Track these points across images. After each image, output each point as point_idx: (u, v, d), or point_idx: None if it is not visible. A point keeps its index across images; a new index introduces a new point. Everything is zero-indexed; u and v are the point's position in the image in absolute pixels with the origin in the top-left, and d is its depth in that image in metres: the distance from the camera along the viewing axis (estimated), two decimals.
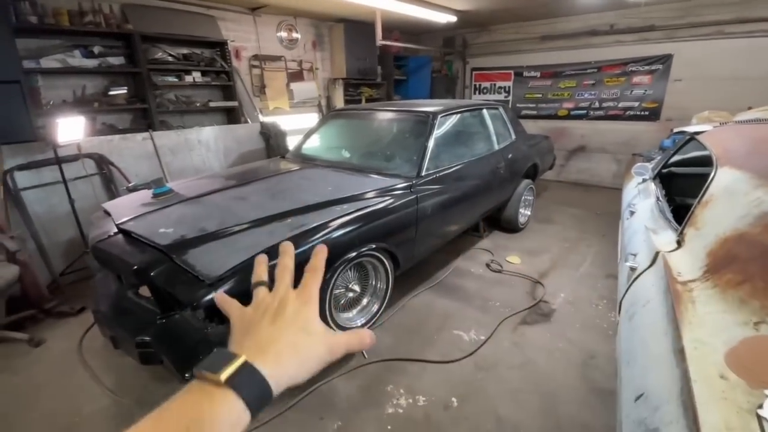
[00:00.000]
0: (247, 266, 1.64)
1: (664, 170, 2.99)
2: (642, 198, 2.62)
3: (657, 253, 1.61)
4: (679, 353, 1.04)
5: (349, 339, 0.45)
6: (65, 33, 3.58)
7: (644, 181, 2.96)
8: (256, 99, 5.18)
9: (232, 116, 4.89)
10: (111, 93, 3.86)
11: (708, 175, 1.74)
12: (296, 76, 5.65)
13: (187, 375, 1.51)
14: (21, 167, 3.17)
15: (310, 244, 1.87)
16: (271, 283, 0.48)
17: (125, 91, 3.94)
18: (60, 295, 3.20)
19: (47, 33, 3.52)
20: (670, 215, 2.01)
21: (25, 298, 3.02)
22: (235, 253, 1.68)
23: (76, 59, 3.63)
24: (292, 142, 4.95)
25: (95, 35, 3.73)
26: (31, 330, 2.76)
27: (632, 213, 2.55)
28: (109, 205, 2.49)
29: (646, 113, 5.73)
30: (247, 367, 0.36)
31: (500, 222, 4.20)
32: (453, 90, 7.71)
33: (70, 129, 2.95)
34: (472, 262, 3.64)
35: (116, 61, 3.82)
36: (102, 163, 3.57)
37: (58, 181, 3.30)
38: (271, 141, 4.81)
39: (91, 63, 3.69)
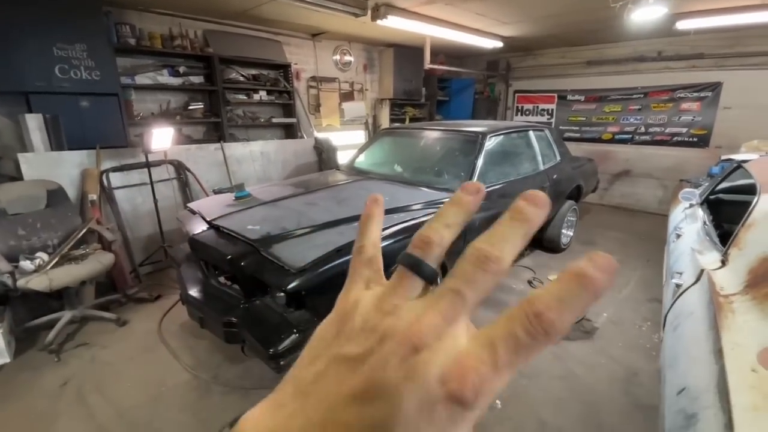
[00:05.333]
0: (323, 259, 1.90)
1: (712, 196, 3.03)
2: (689, 222, 2.69)
3: (702, 271, 1.72)
4: (718, 353, 1.18)
5: None
6: (156, 54, 4.12)
7: (691, 206, 3.01)
8: (311, 116, 5.60)
9: (290, 131, 5.32)
10: (190, 107, 4.36)
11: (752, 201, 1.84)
12: (347, 96, 6.06)
13: (271, 351, 1.76)
14: (115, 169, 3.65)
15: None
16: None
17: (202, 106, 4.43)
18: (138, 283, 3.62)
19: (142, 53, 4.06)
20: (716, 237, 2.10)
21: (111, 284, 3.46)
22: (313, 249, 1.94)
23: (164, 77, 4.15)
24: (341, 157, 5.30)
25: (181, 57, 4.26)
26: (115, 311, 3.14)
27: (678, 236, 2.62)
28: (194, 205, 2.86)
29: (695, 140, 5.66)
30: None
31: (542, 241, 4.29)
32: (495, 111, 7.89)
33: (161, 138, 3.39)
34: (513, 278, 3.75)
35: (197, 79, 4.33)
36: (180, 169, 4.03)
37: (143, 182, 3.76)
38: (323, 155, 5.17)
39: (176, 81, 4.20)
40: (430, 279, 0.24)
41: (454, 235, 0.25)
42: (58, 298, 2.90)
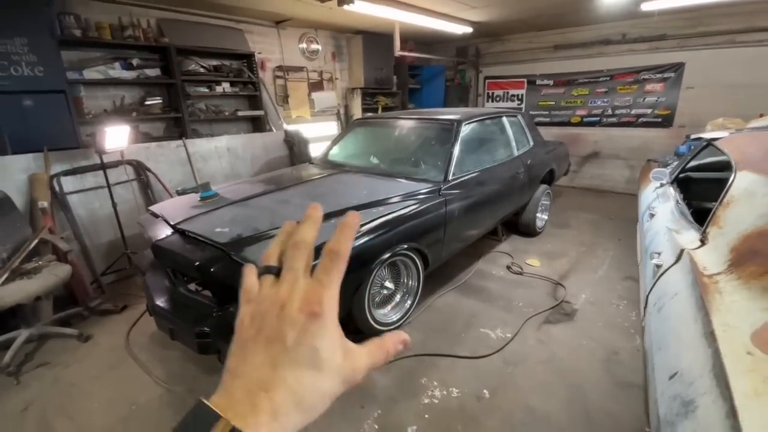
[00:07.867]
0: None
1: (681, 175, 3.10)
2: (661, 201, 2.73)
3: (682, 251, 1.73)
4: (710, 335, 1.16)
5: (371, 355, 0.35)
6: (106, 46, 3.81)
7: (662, 185, 3.07)
8: (279, 108, 5.38)
9: (257, 125, 5.09)
10: (147, 103, 4.07)
11: (726, 179, 1.86)
12: (317, 86, 5.86)
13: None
14: (67, 172, 3.37)
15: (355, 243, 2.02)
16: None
17: (160, 101, 4.15)
18: (101, 294, 3.38)
19: (89, 45, 3.74)
20: (689, 216, 2.13)
21: (70, 297, 3.21)
22: None
23: (116, 71, 3.85)
24: (314, 150, 5.14)
25: (133, 48, 3.96)
26: (77, 327, 2.92)
27: (652, 215, 2.66)
28: (156, 208, 2.67)
29: (659, 120, 5.83)
30: None
31: (518, 226, 4.31)
32: (466, 98, 7.88)
33: (116, 137, 3.15)
34: (492, 264, 3.76)
35: (152, 72, 4.04)
36: (140, 169, 3.77)
37: (100, 186, 3.50)
38: (295, 148, 5.00)
39: (129, 75, 3.91)
40: (277, 273, 0.36)
41: (281, 248, 0.38)
42: (13, 315, 2.66)
